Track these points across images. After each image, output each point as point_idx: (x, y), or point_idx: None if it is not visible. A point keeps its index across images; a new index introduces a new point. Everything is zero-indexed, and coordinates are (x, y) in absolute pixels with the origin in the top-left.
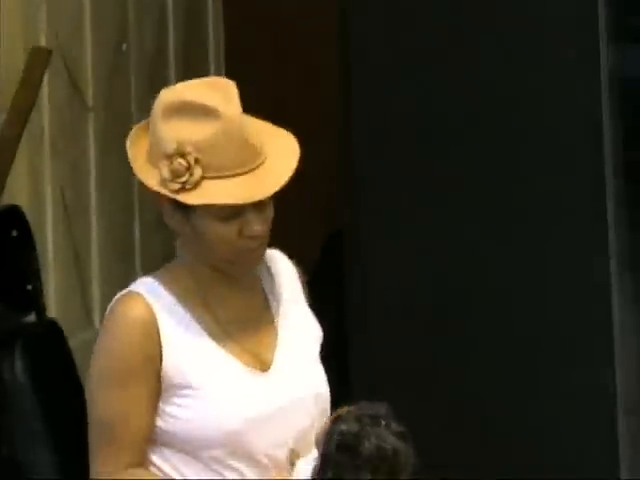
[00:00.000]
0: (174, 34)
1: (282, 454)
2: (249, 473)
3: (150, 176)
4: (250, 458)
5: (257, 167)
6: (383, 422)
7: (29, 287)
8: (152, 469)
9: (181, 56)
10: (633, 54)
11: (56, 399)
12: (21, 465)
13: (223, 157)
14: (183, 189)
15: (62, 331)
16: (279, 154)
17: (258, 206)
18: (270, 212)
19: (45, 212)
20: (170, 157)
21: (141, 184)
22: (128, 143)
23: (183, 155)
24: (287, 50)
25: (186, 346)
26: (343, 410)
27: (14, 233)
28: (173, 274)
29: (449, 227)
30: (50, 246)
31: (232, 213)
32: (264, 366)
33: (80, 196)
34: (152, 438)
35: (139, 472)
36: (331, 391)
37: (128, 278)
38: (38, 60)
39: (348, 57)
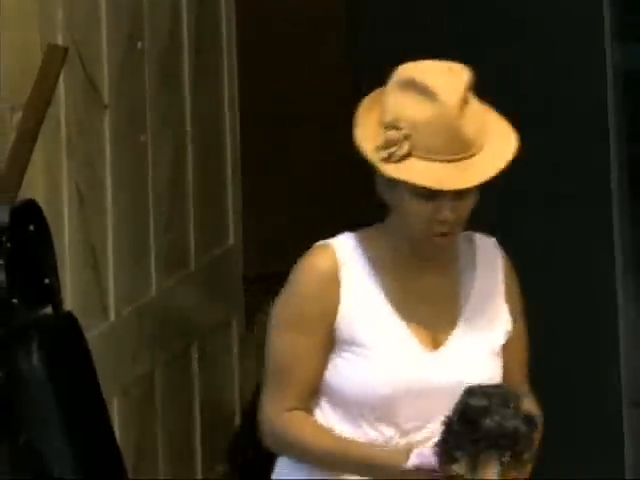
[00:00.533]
0: (187, 30)
1: (423, 434)
2: (391, 440)
3: (370, 141)
4: (396, 427)
5: (463, 158)
6: (511, 404)
7: (46, 281)
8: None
9: (194, 51)
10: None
11: (72, 389)
12: (38, 453)
13: (432, 141)
14: (389, 159)
15: (78, 323)
16: (492, 151)
17: (455, 194)
18: (468, 203)
19: (61, 207)
20: (386, 127)
21: None
22: (359, 109)
23: (397, 128)
24: (296, 47)
25: (363, 306)
26: (475, 385)
27: (31, 228)
28: (375, 236)
29: None
30: (66, 240)
31: (428, 195)
32: (436, 345)
33: (96, 191)
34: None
35: (299, 415)
36: None
37: (143, 271)
38: (54, 57)
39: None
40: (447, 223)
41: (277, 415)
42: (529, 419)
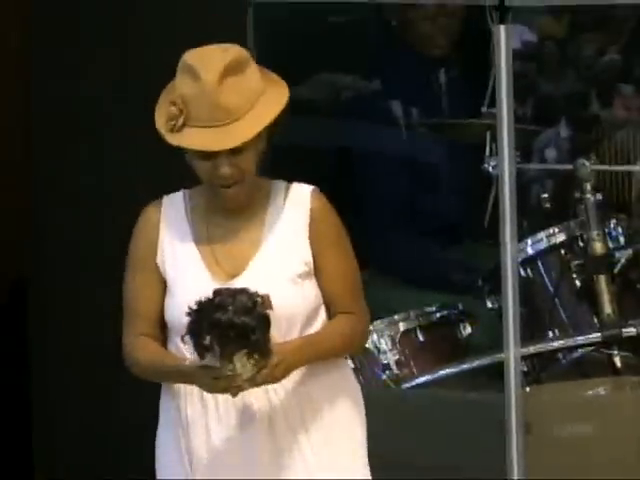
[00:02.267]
0: None
1: None
2: None
3: (161, 118)
4: None
5: (226, 124)
6: (250, 304)
7: None
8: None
9: None
10: None
11: None
12: None
13: (197, 112)
14: (172, 131)
15: None
16: (252, 118)
17: (228, 153)
18: (243, 162)
19: None
20: (168, 106)
21: None
22: (162, 92)
23: (174, 104)
24: None
25: (174, 247)
26: (223, 287)
27: None
28: (199, 190)
29: None
30: None
31: (204, 155)
32: (231, 277)
33: None
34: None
35: (143, 339)
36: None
37: None
38: None
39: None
40: (227, 177)
41: (127, 340)
42: (263, 318)
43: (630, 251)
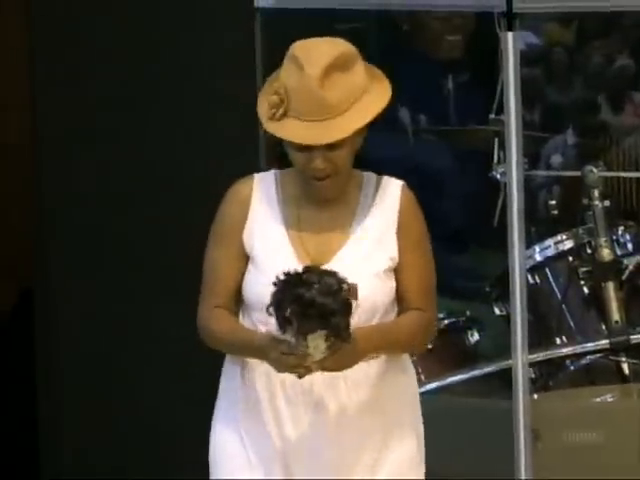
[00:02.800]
0: None
1: None
2: None
3: (263, 105)
4: None
5: (327, 119)
6: (335, 287)
7: None
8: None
9: None
10: None
11: None
12: None
13: (299, 104)
14: (272, 118)
15: None
16: (353, 115)
17: (325, 147)
18: (339, 158)
19: None
20: (273, 93)
21: None
22: (267, 80)
23: (277, 93)
24: None
25: (263, 228)
26: (313, 265)
27: None
28: (291, 174)
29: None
30: None
31: (300, 147)
32: (317, 264)
33: None
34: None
35: (220, 311)
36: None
37: None
38: None
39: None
40: (320, 170)
41: (204, 312)
42: (346, 303)
43: (638, 258)
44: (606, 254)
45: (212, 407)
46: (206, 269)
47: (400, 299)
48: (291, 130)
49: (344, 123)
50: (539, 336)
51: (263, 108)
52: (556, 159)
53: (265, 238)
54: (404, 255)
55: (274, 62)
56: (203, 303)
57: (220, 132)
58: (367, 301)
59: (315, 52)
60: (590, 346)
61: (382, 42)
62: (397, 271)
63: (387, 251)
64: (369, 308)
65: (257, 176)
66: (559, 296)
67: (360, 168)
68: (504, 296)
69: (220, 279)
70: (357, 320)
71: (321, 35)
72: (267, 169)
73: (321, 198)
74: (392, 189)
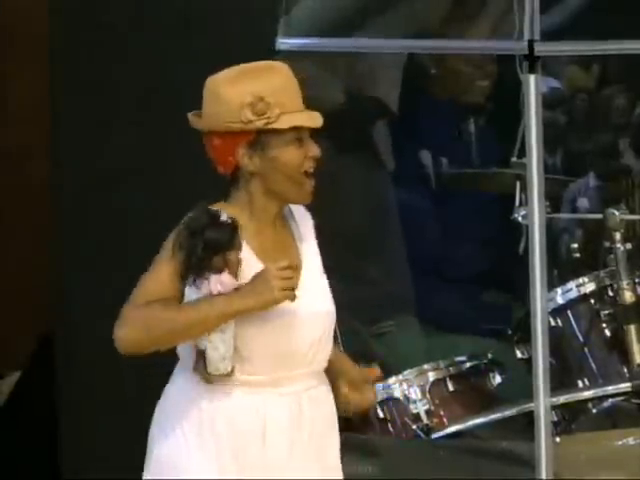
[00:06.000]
0: None
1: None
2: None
3: (230, 127)
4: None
5: (305, 109)
6: None
7: None
8: None
9: None
10: None
11: None
12: None
13: (289, 97)
14: (269, 123)
15: None
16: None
17: (311, 137)
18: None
19: None
20: (250, 104)
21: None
22: (195, 120)
23: (262, 99)
24: None
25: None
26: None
27: None
28: (232, 208)
29: None
30: None
31: (299, 138)
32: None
33: None
34: None
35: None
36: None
37: None
38: None
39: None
40: (317, 157)
41: (132, 306)
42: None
43: None
44: (628, 297)
45: None
46: (145, 281)
47: None
48: (296, 120)
49: (315, 114)
50: (561, 379)
51: (237, 127)
52: (579, 202)
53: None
54: None
55: None
56: (134, 302)
57: None
58: (333, 312)
59: (266, 62)
60: (612, 389)
61: (403, 84)
62: None
63: (321, 267)
64: (334, 317)
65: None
66: (581, 339)
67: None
68: (526, 339)
69: (159, 292)
70: (328, 332)
71: (340, 77)
72: None
73: (307, 200)
74: (303, 211)
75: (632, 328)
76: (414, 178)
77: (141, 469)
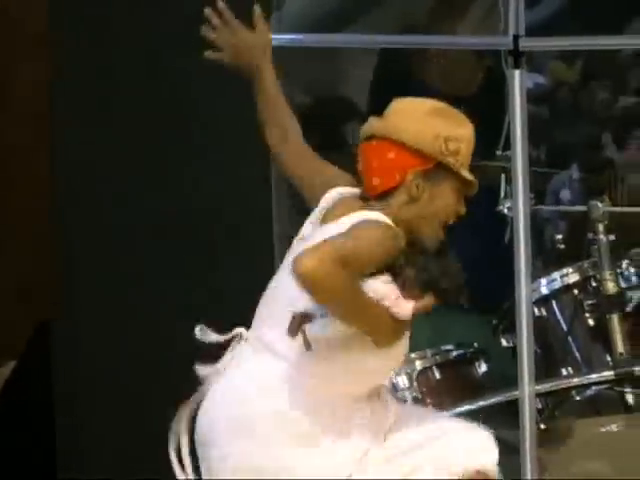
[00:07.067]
0: None
1: None
2: None
3: (422, 147)
4: None
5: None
6: None
7: None
8: None
9: None
10: None
11: None
12: None
13: (469, 155)
14: (456, 164)
15: None
16: None
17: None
18: None
19: None
20: (445, 140)
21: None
22: (377, 125)
23: (457, 141)
24: None
25: None
26: None
27: None
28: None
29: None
30: None
31: (460, 192)
32: None
33: None
34: None
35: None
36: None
37: None
38: None
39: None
40: (459, 216)
41: (340, 268)
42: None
43: None
44: (611, 287)
45: None
46: (351, 246)
47: None
48: (472, 176)
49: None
50: (545, 367)
51: (439, 152)
52: (562, 195)
53: None
54: None
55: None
56: (337, 252)
57: (235, 173)
58: None
59: (451, 109)
60: (595, 377)
61: (389, 77)
62: None
63: None
64: None
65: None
66: (565, 328)
67: None
68: (511, 328)
69: (358, 266)
70: None
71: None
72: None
73: (431, 245)
74: None
75: (614, 318)
76: None
77: (137, 454)
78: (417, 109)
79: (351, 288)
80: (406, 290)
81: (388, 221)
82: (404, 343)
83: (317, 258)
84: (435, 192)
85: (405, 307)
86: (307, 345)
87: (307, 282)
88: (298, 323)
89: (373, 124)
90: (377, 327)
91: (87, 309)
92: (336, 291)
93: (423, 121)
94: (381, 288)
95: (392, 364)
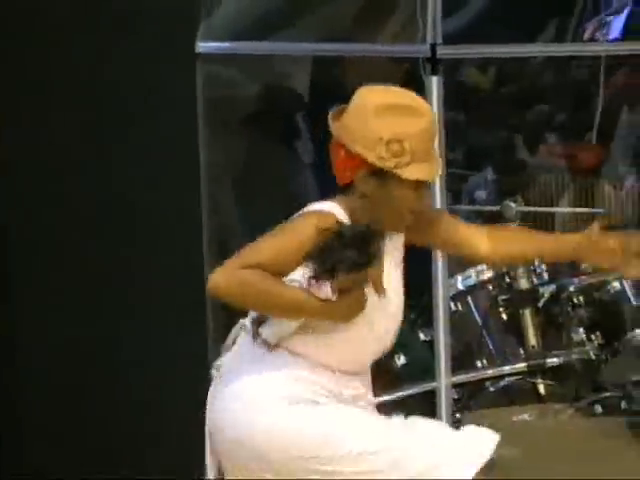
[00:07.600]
0: None
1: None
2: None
3: (361, 153)
4: None
5: (431, 158)
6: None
7: None
8: None
9: None
10: None
11: None
12: None
13: (424, 146)
14: (397, 167)
15: None
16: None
17: (426, 186)
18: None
19: None
20: (387, 143)
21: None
22: (334, 123)
23: (400, 142)
24: None
25: None
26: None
27: None
28: (357, 210)
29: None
30: None
31: (417, 185)
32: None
33: None
34: None
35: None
36: None
37: None
38: None
39: None
40: (424, 205)
41: (237, 265)
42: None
43: (553, 286)
44: (523, 283)
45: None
46: (262, 245)
47: None
48: (420, 172)
49: (437, 160)
50: (461, 359)
51: (371, 156)
52: (477, 195)
53: None
54: None
55: (214, 105)
56: (237, 261)
57: (162, 176)
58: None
59: (413, 96)
60: (509, 369)
61: (315, 85)
62: None
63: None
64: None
65: (334, 211)
66: (480, 322)
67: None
68: (428, 322)
69: (275, 263)
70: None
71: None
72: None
73: (400, 231)
74: None
75: (527, 312)
76: (317, 172)
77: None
78: (367, 107)
79: (261, 286)
80: (337, 279)
81: (332, 210)
82: (378, 315)
83: (220, 272)
84: (385, 190)
85: (323, 289)
86: (267, 345)
87: (216, 295)
88: (254, 329)
89: (332, 122)
90: (311, 310)
91: (34, 317)
92: (245, 294)
93: (369, 124)
94: (297, 277)
95: (368, 333)
